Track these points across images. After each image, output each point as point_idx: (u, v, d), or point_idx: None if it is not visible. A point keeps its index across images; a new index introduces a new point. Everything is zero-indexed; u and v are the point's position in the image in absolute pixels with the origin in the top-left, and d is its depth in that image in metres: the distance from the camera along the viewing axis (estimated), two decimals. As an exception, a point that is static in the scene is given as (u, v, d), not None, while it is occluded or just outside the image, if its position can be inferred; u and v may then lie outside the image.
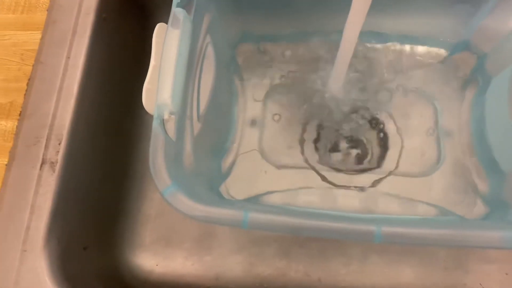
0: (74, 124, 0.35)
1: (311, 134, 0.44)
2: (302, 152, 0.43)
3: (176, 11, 0.33)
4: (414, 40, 0.45)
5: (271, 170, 0.42)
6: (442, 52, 0.45)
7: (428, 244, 0.27)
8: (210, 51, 0.39)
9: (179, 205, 0.28)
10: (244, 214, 0.28)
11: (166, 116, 0.31)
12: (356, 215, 0.39)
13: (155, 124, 0.31)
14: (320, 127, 0.44)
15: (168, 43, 0.33)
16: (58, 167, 0.34)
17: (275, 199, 0.41)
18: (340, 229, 0.27)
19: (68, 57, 0.37)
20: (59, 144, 0.34)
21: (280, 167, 0.43)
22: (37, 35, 0.38)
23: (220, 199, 0.39)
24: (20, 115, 0.37)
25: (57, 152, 0.34)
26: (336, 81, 0.44)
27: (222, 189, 0.41)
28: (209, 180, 0.40)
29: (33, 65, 0.37)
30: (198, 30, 0.37)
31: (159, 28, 0.34)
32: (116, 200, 0.42)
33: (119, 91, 0.42)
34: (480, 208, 0.40)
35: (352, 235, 0.28)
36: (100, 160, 0.40)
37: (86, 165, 0.37)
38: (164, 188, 0.29)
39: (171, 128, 0.32)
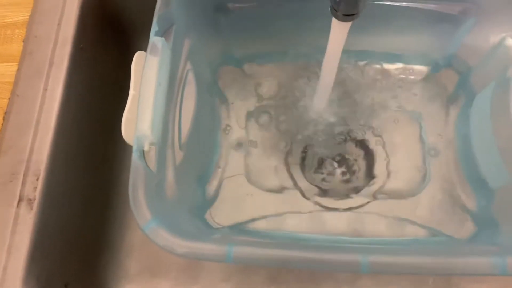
0: (52, 158, 0.34)
1: (297, 156, 0.43)
2: (289, 175, 0.43)
3: (155, 40, 0.33)
4: (397, 58, 0.45)
5: (258, 194, 0.42)
6: (425, 69, 0.45)
7: (415, 273, 0.27)
8: (191, 78, 0.38)
9: (161, 241, 0.28)
10: (228, 249, 0.27)
11: (146, 148, 0.31)
12: (343, 240, 0.38)
13: (135, 157, 0.30)
14: (305, 149, 0.43)
15: (147, 72, 0.32)
16: (36, 204, 0.33)
17: (262, 224, 0.40)
18: (325, 261, 0.27)
19: (45, 89, 0.36)
20: (37, 179, 0.33)
21: (266, 190, 0.42)
22: (13, 67, 0.37)
23: (205, 229, 0.38)
24: (-4, 150, 0.36)
25: (35, 188, 0.33)
26: (320, 101, 0.43)
27: (208, 216, 0.40)
28: (194, 208, 0.39)
29: (9, 98, 0.36)
30: (178, 57, 0.37)
31: (138, 56, 0.34)
32: (98, 231, 0.41)
33: (99, 121, 0.41)
34: (468, 226, 0.40)
35: (338, 266, 0.27)
36: (81, 193, 0.39)
37: (65, 200, 0.36)
38: (144, 224, 0.28)
39: (151, 159, 0.31)
